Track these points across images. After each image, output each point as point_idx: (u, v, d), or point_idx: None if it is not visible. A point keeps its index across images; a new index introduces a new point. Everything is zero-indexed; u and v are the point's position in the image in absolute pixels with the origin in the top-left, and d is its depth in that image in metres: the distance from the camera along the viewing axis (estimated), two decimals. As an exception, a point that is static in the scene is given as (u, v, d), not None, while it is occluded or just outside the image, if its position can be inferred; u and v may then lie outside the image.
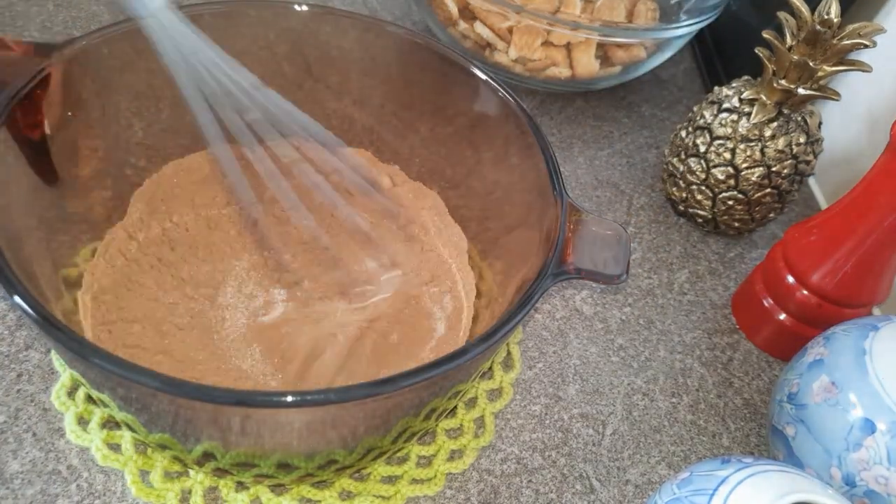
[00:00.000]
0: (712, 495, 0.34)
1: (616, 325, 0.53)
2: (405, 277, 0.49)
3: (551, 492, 0.44)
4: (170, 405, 0.32)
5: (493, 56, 0.65)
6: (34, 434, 0.41)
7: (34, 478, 0.39)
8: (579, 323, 0.53)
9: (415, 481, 0.42)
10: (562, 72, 0.64)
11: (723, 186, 0.55)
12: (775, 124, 0.53)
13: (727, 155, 0.54)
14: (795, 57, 0.50)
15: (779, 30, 0.51)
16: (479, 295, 0.48)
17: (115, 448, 0.41)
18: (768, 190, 0.54)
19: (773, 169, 0.53)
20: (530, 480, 0.44)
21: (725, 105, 0.55)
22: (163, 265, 0.46)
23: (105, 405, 0.36)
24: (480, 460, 0.44)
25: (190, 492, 0.40)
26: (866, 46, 0.47)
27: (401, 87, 0.52)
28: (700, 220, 0.59)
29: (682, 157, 0.57)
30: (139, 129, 0.47)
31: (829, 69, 0.49)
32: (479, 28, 0.63)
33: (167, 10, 0.38)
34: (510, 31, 0.62)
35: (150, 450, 0.41)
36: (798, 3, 0.49)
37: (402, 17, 0.75)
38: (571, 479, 0.44)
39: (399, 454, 0.43)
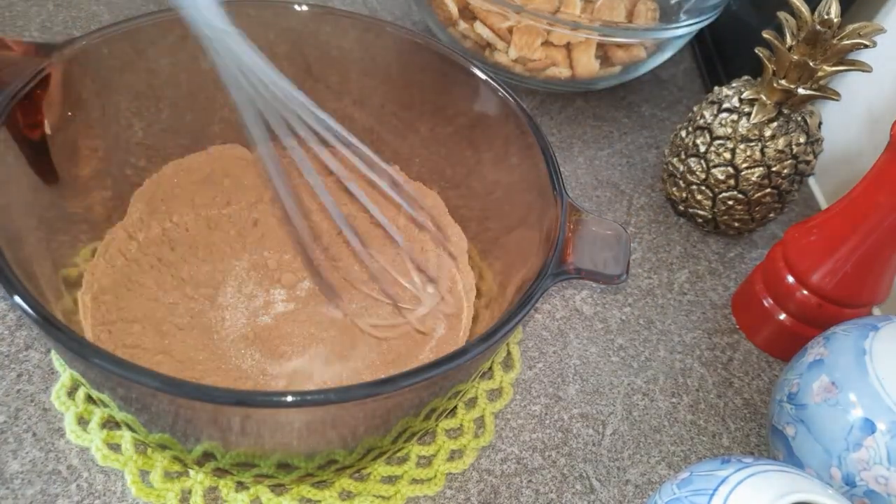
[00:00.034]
0: (712, 495, 0.34)
1: (616, 325, 0.53)
2: (440, 294, 0.48)
3: (551, 492, 0.44)
4: (170, 405, 0.32)
5: (493, 56, 0.65)
6: (34, 434, 0.41)
7: (34, 478, 0.39)
8: (579, 323, 0.53)
9: (415, 481, 0.42)
10: (562, 72, 0.64)
11: (723, 186, 0.55)
12: (775, 124, 0.53)
13: (727, 155, 0.54)
14: (795, 57, 0.50)
15: (779, 30, 0.51)
16: (479, 295, 0.48)
17: (115, 448, 0.41)
18: (768, 190, 0.54)
19: (773, 169, 0.53)
20: (530, 480, 0.44)
21: (725, 105, 0.55)
22: (163, 265, 0.46)
23: (105, 405, 0.36)
24: (480, 460, 0.44)
25: (190, 492, 0.40)
26: (866, 46, 0.47)
27: (401, 87, 0.52)
28: (700, 220, 0.59)
29: (682, 157, 0.57)
30: (139, 129, 0.47)
31: (829, 69, 0.49)
32: (479, 28, 0.63)
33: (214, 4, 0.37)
34: (510, 31, 0.62)
35: (150, 450, 0.41)
36: (798, 3, 0.49)
37: (402, 17, 0.75)
38: (571, 479, 0.44)
39: (399, 454, 0.43)
